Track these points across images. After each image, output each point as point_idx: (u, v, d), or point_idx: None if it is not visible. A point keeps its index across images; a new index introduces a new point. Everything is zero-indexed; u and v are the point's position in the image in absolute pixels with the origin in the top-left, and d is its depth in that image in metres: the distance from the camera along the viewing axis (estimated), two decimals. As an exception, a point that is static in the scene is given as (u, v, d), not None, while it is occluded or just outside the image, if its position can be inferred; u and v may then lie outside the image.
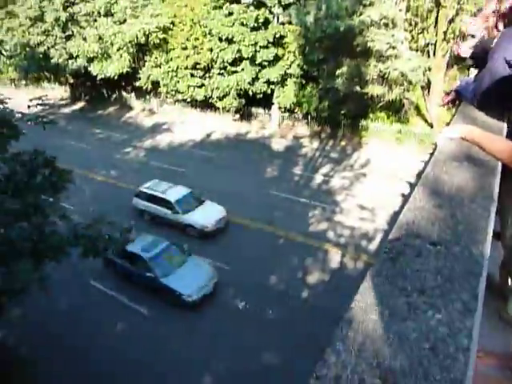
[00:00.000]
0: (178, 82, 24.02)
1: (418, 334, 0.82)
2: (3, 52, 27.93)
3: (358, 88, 17.98)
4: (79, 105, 31.19)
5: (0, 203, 5.57)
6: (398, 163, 18.24)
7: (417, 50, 18.37)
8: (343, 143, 21.51)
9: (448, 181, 1.51)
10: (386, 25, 16.68)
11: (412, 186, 15.50)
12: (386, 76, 17.19)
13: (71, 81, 32.35)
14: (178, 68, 23.76)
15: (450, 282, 0.98)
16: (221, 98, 22.88)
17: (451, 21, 17.38)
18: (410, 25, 18.90)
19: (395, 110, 20.38)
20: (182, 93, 24.19)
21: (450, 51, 17.76)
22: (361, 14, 16.90)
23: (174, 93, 24.92)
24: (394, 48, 16.74)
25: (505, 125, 2.20)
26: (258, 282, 11.49)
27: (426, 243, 1.13)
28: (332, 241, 13.55)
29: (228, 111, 24.11)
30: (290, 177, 18.20)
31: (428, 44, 18.73)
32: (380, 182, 16.90)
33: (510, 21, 2.31)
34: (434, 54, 18.61)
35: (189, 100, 24.78)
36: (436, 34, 18.40)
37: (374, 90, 17.62)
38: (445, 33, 18.07)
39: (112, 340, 9.76)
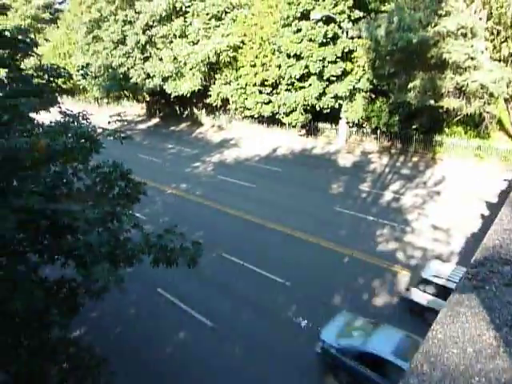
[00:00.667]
0: (247, 98, 24.67)
1: (511, 376, 0.70)
2: (89, 73, 30.78)
3: (431, 101, 17.09)
4: (154, 121, 33.28)
5: (81, 212, 6.01)
6: (477, 182, 16.94)
7: (499, 61, 17.07)
8: (415, 159, 20.49)
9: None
10: (465, 35, 15.74)
11: (494, 207, 14.24)
12: (464, 88, 16.14)
13: (148, 99, 34.70)
14: (246, 85, 24.44)
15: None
16: (287, 114, 23.06)
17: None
18: (492, 34, 17.65)
19: (474, 124, 19.03)
20: (250, 109, 24.78)
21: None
22: (436, 25, 16.15)
23: (242, 109, 25.63)
24: (473, 59, 15.71)
25: None
26: (322, 301, 11.15)
27: (517, 270, 0.99)
28: (401, 262, 12.80)
29: (294, 127, 24.21)
30: (357, 193, 17.65)
31: (512, 54, 17.34)
32: (456, 202, 15.78)
33: None
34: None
35: (256, 116, 25.31)
36: (522, 42, 16.99)
37: (450, 103, 16.61)
38: (532, 41, 16.63)
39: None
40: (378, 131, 21.60)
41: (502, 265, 0.90)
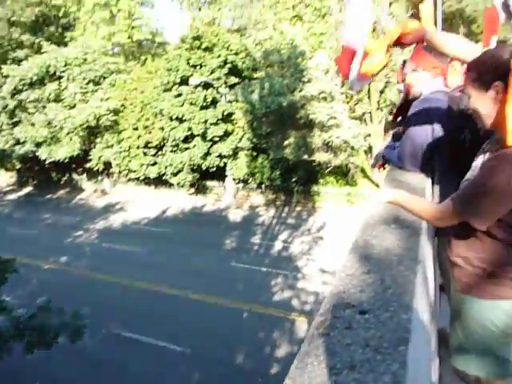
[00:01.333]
0: (131, 161, 24.18)
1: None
2: None
3: (305, 156, 18.93)
4: (26, 190, 30.25)
5: None
6: (350, 224, 18.78)
7: (356, 119, 19.92)
8: (298, 209, 22.02)
9: (377, 244, 1.55)
10: (325, 98, 18.11)
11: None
12: (330, 144, 18.31)
13: (18, 166, 31.63)
14: (129, 148, 24.06)
15: (379, 353, 0.95)
16: (175, 174, 23.13)
17: (382, 92, 19.22)
18: (347, 97, 20.67)
19: (343, 174, 21.45)
20: (135, 171, 24.26)
21: (384, 118, 19.45)
22: (301, 90, 18.33)
23: (126, 172, 24.94)
24: (334, 118, 18.06)
25: (428, 185, 2.35)
26: (223, 361, 10.78)
27: (355, 313, 1.12)
28: (297, 309, 13.23)
29: (182, 186, 24.28)
30: (249, 247, 18.09)
31: (364, 113, 20.41)
32: (337, 244, 17.18)
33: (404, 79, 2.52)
34: (371, 121, 20.24)
35: (142, 178, 24.82)
36: (370, 104, 20.17)
37: (321, 157, 18.63)
38: (378, 102, 19.87)
39: None
40: (263, 185, 22.88)
41: (344, 309, 1.01)
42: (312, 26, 23.60)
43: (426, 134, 2.29)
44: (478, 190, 1.45)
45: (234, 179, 23.65)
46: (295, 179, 20.94)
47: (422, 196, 2.07)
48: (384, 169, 2.77)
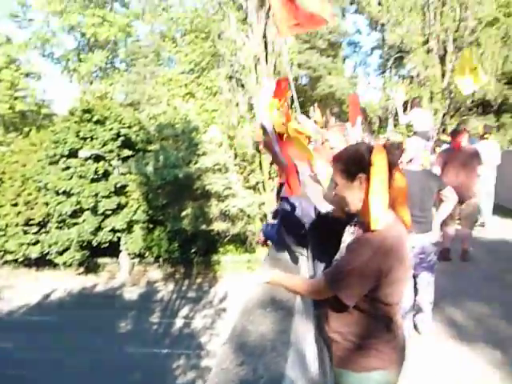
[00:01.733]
0: (7, 241, 21.51)
1: None
2: None
3: (204, 226, 18.94)
4: None
5: None
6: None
7: (250, 188, 20.84)
8: (199, 281, 21.43)
9: (253, 331, 1.55)
10: (220, 170, 18.78)
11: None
12: (228, 213, 18.70)
13: None
14: (6, 226, 21.50)
15: None
16: (61, 253, 21.06)
17: (271, 163, 20.63)
18: (240, 168, 21.71)
19: (241, 241, 21.80)
20: (13, 252, 21.55)
21: (276, 187, 20.70)
22: (196, 163, 18.79)
23: (1, 254, 22.00)
24: (230, 188, 18.68)
25: (304, 261, 2.49)
26: None
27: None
28: (201, 391, 12.35)
29: (70, 266, 22.11)
30: (147, 327, 16.77)
31: (258, 183, 21.52)
32: (240, 315, 16.90)
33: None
34: (264, 190, 21.35)
35: (21, 259, 22.07)
36: (263, 174, 21.41)
37: (219, 226, 18.83)
38: (269, 173, 21.22)
39: None
40: (161, 259, 22.00)
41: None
42: (204, 102, 24.97)
43: (300, 212, 2.47)
44: (344, 270, 1.58)
45: (129, 254, 22.36)
46: (194, 250, 20.61)
47: (298, 271, 2.18)
48: (267, 245, 2.90)
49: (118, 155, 21.66)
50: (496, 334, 3.92)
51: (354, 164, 1.62)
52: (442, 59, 19.73)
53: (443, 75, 19.59)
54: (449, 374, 3.33)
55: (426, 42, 19.84)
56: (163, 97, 26.23)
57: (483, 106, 20.41)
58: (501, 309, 4.44)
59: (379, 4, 21.80)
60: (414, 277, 3.79)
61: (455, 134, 5.97)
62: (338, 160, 1.69)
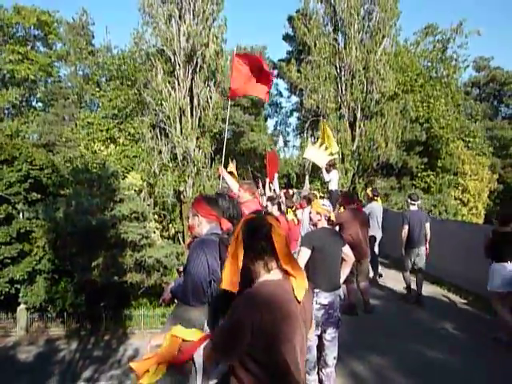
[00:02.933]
0: None
1: None
2: None
3: (116, 278, 17.80)
4: None
5: None
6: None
7: (168, 238, 20.31)
8: (107, 337, 19.71)
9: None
10: (137, 218, 18.13)
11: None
12: (143, 263, 17.87)
13: None
14: None
15: None
16: None
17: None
18: (160, 217, 21.21)
19: (157, 294, 20.75)
20: None
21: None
22: (112, 210, 17.96)
23: None
24: (147, 238, 18.00)
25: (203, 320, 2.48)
26: None
27: None
28: None
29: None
30: (42, 394, 14.81)
31: (177, 232, 21.10)
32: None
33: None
34: (184, 240, 20.94)
35: None
36: (182, 224, 21.08)
37: (133, 277, 17.83)
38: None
39: None
40: (65, 313, 19.99)
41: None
42: (125, 148, 24.45)
43: (204, 269, 2.50)
44: (222, 328, 1.63)
45: (27, 308, 20.01)
46: (104, 304, 19.10)
47: (201, 330, 2.16)
48: (169, 303, 2.85)
49: (25, 198, 19.98)
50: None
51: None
52: (352, 125, 21.88)
53: (353, 139, 21.62)
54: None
55: (339, 108, 21.95)
56: (82, 140, 25.24)
57: (387, 169, 22.70)
58: (397, 360, 4.74)
59: (298, 71, 23.87)
60: (321, 332, 3.92)
61: (353, 195, 6.61)
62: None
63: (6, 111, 32.56)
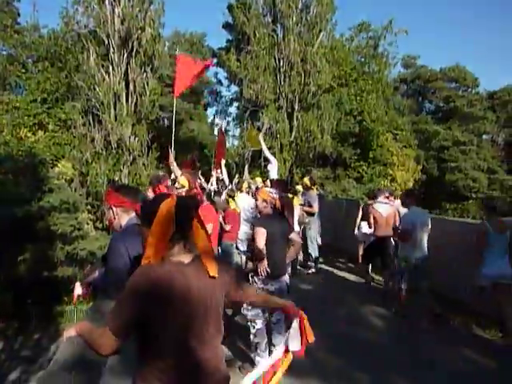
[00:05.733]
0: None
1: None
2: None
3: (46, 273, 16.82)
4: None
5: None
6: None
7: (102, 230, 19.50)
8: (37, 336, 18.61)
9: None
10: (68, 209, 17.18)
11: None
12: (75, 256, 17.04)
13: None
14: None
15: None
16: None
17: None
18: (93, 207, 20.26)
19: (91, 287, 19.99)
20: None
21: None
22: (40, 200, 16.86)
23: None
24: (79, 229, 17.15)
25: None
26: None
27: None
28: None
29: None
30: (-39, 400, 13.68)
31: (113, 223, 20.32)
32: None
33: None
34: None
35: None
36: (118, 215, 20.35)
37: (64, 271, 16.94)
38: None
39: None
40: (-12, 312, 18.54)
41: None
42: (55, 135, 22.95)
43: (125, 262, 2.48)
44: (113, 307, 1.67)
45: None
46: (33, 301, 17.96)
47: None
48: (90, 297, 2.80)
49: None
50: (322, 365, 4.39)
51: (148, 214, 1.77)
52: (290, 116, 22.35)
53: (291, 130, 22.12)
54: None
55: (277, 99, 22.30)
56: (5, 126, 23.26)
57: (322, 159, 23.55)
58: (328, 341, 5.01)
59: (238, 61, 23.81)
60: (269, 316, 4.08)
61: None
62: (140, 210, 1.90)
63: None
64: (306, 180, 9.01)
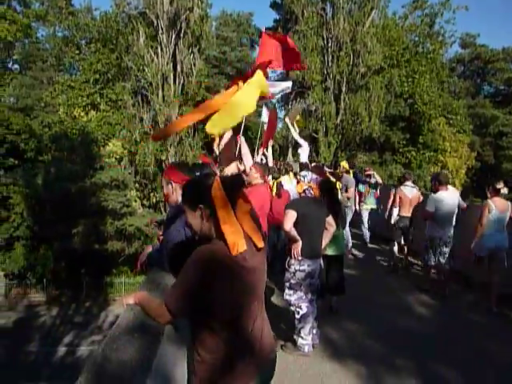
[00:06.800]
0: None
1: None
2: None
3: (96, 246, 17.77)
4: None
5: None
6: (147, 316, 18.00)
7: (149, 207, 20.23)
8: (87, 304, 19.87)
9: (114, 360, 1.54)
10: (118, 186, 17.94)
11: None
12: (124, 232, 17.83)
13: None
14: None
15: None
16: None
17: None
18: (141, 185, 21.01)
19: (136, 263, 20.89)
20: None
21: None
22: (92, 177, 17.70)
23: None
24: (127, 206, 17.89)
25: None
26: None
27: None
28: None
29: None
30: (23, 358, 14.96)
31: (159, 201, 21.00)
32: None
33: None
34: (165, 209, 20.89)
35: None
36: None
37: (114, 246, 17.81)
38: (171, 192, 20.89)
39: None
40: (45, 280, 19.96)
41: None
42: (107, 115, 23.84)
43: (180, 236, 2.53)
44: (174, 285, 1.67)
45: (6, 275, 19.89)
46: (84, 271, 19.12)
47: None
48: (145, 267, 2.90)
49: (2, 164, 19.47)
50: (362, 350, 4.35)
51: (195, 195, 1.76)
52: (337, 98, 21.78)
53: (337, 112, 21.59)
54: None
55: (324, 80, 21.76)
56: (61, 105, 24.43)
57: (369, 144, 22.87)
58: (369, 327, 4.95)
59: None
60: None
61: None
62: (184, 192, 1.84)
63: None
64: (344, 163, 8.83)
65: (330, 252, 4.97)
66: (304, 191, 4.25)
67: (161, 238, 3.22)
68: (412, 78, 22.75)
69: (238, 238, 1.66)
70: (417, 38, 25.69)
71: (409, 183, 7.54)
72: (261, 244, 1.78)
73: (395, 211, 7.65)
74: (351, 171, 8.49)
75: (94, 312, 19.17)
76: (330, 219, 4.22)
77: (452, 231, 6.08)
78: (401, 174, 9.67)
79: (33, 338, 16.55)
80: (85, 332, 17.06)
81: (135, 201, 18.64)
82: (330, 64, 21.67)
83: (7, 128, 19.60)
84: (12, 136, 19.66)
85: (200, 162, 3.63)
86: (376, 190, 8.93)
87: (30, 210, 18.91)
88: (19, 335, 16.64)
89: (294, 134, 9.50)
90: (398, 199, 7.39)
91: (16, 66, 32.88)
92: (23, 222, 19.19)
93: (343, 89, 21.64)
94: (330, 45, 21.64)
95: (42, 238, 19.36)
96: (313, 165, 8.85)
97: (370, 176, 8.93)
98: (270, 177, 6.75)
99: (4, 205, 19.26)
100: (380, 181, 9.03)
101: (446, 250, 6.06)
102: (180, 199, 2.74)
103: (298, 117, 10.21)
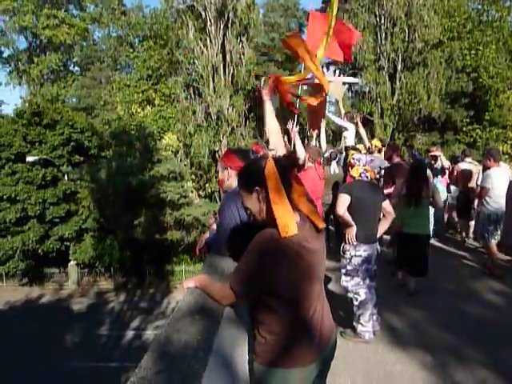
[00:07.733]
0: None
1: None
2: None
3: (157, 235, 18.59)
4: None
5: None
6: (207, 302, 18.55)
7: (205, 197, 20.75)
8: (151, 291, 20.91)
9: (176, 340, 1.56)
10: (175, 178, 18.57)
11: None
12: (182, 222, 18.47)
13: None
14: None
15: None
16: (3, 263, 19.85)
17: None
18: (196, 176, 21.58)
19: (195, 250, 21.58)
20: None
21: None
22: (151, 170, 18.46)
23: None
24: (185, 197, 18.49)
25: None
26: None
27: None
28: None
29: (13, 276, 20.88)
30: (95, 340, 16.10)
31: (214, 192, 21.46)
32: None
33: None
34: (220, 199, 21.33)
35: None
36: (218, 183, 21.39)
37: (173, 235, 18.54)
38: (225, 182, 21.26)
39: None
40: (112, 269, 21.27)
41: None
42: (161, 109, 24.67)
43: (236, 221, 2.52)
44: (237, 268, 1.65)
45: (77, 264, 21.46)
46: (147, 260, 20.11)
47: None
48: (201, 254, 2.94)
49: (69, 161, 20.86)
50: (428, 339, 4.14)
51: (250, 178, 1.73)
52: (392, 77, 20.77)
53: (393, 92, 20.61)
54: (385, 376, 3.48)
55: (378, 60, 20.82)
56: (119, 102, 25.66)
57: (428, 123, 21.62)
58: (435, 315, 4.70)
59: (335, 21, 22.62)
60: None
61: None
62: (240, 175, 1.79)
63: (45, 76, 33.45)
64: (376, 141, 7.62)
65: (412, 230, 4.78)
66: (360, 175, 4.08)
67: (213, 226, 3.26)
68: (476, 50, 21.06)
69: (289, 219, 1.61)
70: (480, 6, 23.70)
71: (468, 159, 7.49)
72: (321, 224, 1.73)
73: (453, 188, 7.68)
74: (382, 150, 7.39)
75: (157, 298, 20.15)
76: (387, 206, 4.03)
77: (504, 208, 5.87)
78: (461, 151, 9.26)
79: (104, 322, 17.74)
80: (150, 317, 18.00)
81: (192, 191, 19.21)
82: (383, 42, 20.67)
83: (72, 127, 20.92)
84: (76, 134, 20.97)
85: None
86: (442, 177, 7.59)
87: (95, 203, 20.15)
88: (91, 319, 17.93)
89: (336, 119, 8.60)
90: (455, 175, 7.39)
91: (76, 68, 35.01)
92: (90, 214, 20.50)
93: (398, 67, 20.59)
94: (382, 22, 20.62)
95: (108, 229, 20.61)
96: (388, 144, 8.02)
97: (435, 158, 7.58)
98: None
99: (73, 199, 20.66)
100: (447, 165, 7.66)
101: (500, 226, 5.93)
102: (234, 185, 2.75)
103: (343, 90, 8.74)
